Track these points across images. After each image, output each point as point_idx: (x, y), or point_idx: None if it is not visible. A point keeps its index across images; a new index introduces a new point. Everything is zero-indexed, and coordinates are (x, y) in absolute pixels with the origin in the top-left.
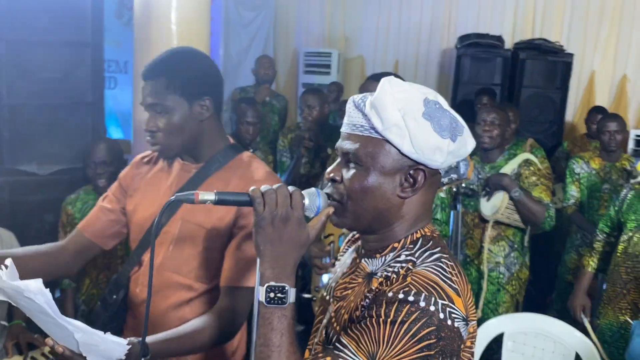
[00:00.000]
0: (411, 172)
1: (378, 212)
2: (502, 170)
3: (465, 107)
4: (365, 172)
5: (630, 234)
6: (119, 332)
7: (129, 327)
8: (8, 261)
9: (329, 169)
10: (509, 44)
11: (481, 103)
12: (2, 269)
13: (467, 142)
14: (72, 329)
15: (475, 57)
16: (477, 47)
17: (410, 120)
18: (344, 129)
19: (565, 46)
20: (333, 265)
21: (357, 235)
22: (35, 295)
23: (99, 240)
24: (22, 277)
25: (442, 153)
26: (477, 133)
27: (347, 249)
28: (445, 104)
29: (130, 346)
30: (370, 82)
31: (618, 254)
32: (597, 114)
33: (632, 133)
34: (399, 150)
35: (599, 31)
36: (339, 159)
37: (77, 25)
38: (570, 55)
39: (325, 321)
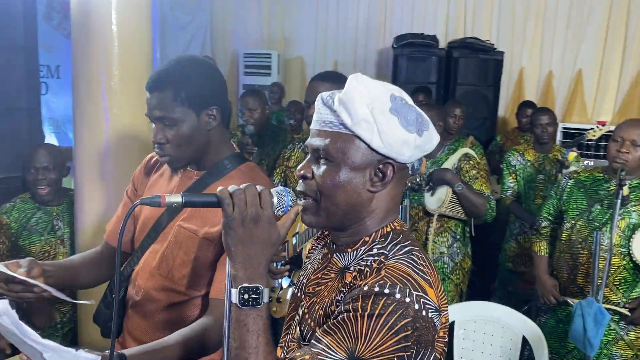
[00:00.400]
0: (380, 166)
1: (350, 207)
2: (444, 165)
3: None
4: (336, 167)
5: (573, 221)
6: (118, 331)
7: (127, 327)
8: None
9: (299, 167)
10: (442, 43)
11: (417, 101)
12: None
13: (433, 137)
14: (41, 349)
15: (411, 57)
16: (412, 47)
17: (378, 115)
18: (313, 126)
19: (496, 44)
20: (287, 270)
21: (326, 232)
22: (1, 316)
23: (125, 247)
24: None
25: (410, 147)
26: None
27: (317, 246)
28: (409, 100)
29: (104, 355)
30: (319, 83)
31: (563, 241)
32: (527, 108)
33: (560, 126)
34: (368, 145)
35: (526, 29)
36: (308, 156)
37: (9, 29)
38: (501, 53)
39: (298, 317)
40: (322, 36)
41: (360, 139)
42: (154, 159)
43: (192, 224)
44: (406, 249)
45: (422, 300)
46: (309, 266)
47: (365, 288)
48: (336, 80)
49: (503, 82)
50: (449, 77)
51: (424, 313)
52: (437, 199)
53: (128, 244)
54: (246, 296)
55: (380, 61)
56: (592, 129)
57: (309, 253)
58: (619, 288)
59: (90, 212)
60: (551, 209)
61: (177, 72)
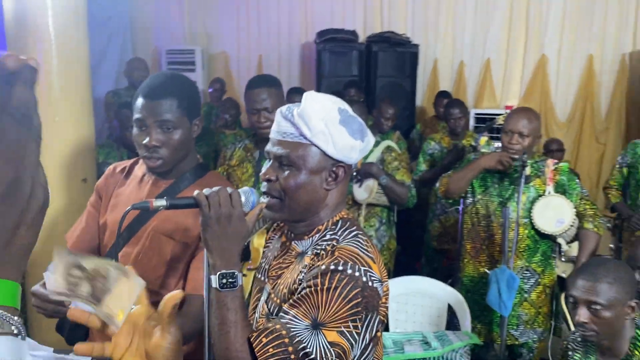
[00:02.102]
0: (334, 169)
1: (309, 203)
2: (369, 159)
3: None
4: (298, 171)
5: (480, 197)
6: (84, 337)
7: (92, 333)
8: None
9: (263, 172)
10: (362, 37)
11: (349, 95)
12: None
13: (370, 141)
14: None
15: (333, 52)
16: (334, 42)
17: (331, 127)
18: (274, 136)
19: (411, 37)
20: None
21: (281, 224)
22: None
23: (91, 254)
24: None
25: (356, 151)
26: None
27: (273, 237)
28: (351, 110)
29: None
30: (262, 90)
31: (473, 215)
32: (442, 98)
33: (472, 112)
34: (324, 152)
35: (438, 22)
36: (270, 162)
37: None
38: (416, 45)
39: (264, 298)
40: (244, 31)
41: (317, 147)
42: (119, 169)
43: (166, 228)
44: (353, 233)
45: (368, 273)
46: (269, 254)
47: (323, 267)
48: (273, 83)
49: (419, 73)
50: (370, 70)
51: (370, 284)
52: (365, 191)
53: (94, 251)
54: (224, 281)
55: (304, 56)
56: (501, 114)
57: (266, 243)
58: (523, 255)
59: None
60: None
61: (178, 84)
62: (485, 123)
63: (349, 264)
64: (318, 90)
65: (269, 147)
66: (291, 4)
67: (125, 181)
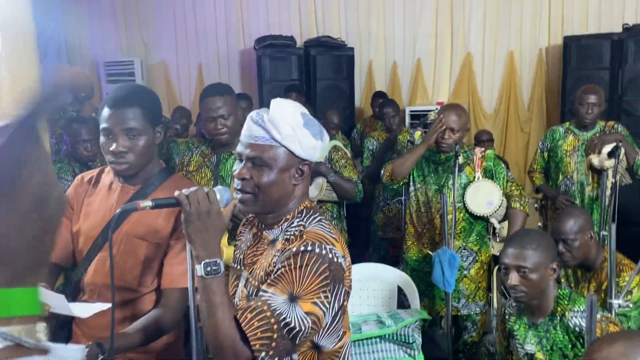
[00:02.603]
0: (300, 166)
1: (280, 197)
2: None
3: None
4: (270, 170)
5: (418, 185)
6: (67, 338)
7: (76, 335)
8: None
9: (237, 171)
10: (299, 42)
11: (291, 99)
12: None
13: (327, 140)
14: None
15: (273, 57)
16: (273, 47)
17: (297, 130)
18: (245, 140)
19: (346, 41)
20: None
21: (251, 218)
22: None
23: (64, 262)
24: None
25: (317, 150)
26: None
27: (244, 230)
28: (309, 114)
29: (88, 349)
30: (216, 98)
31: (412, 201)
32: (378, 98)
33: (407, 110)
34: (292, 153)
35: (370, 25)
36: (243, 162)
37: None
38: (351, 48)
39: (242, 283)
40: (182, 40)
41: (286, 148)
42: (86, 179)
43: (138, 231)
44: (317, 219)
45: (333, 251)
46: (242, 245)
47: (294, 249)
48: (226, 91)
49: (356, 75)
50: (309, 73)
51: (335, 259)
52: (315, 188)
53: (68, 258)
54: (209, 268)
55: (244, 62)
56: (433, 110)
57: (238, 237)
58: (460, 235)
59: None
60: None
61: (142, 94)
62: (419, 119)
63: (317, 244)
64: (260, 94)
65: (240, 149)
66: (228, 11)
67: (94, 190)
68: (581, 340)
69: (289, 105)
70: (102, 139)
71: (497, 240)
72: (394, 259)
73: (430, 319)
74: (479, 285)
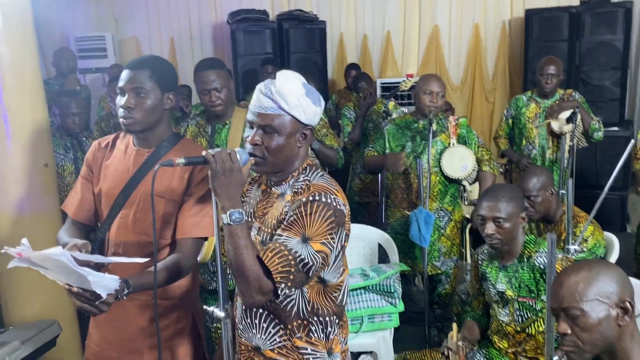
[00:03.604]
0: (304, 131)
1: (287, 159)
2: None
3: (250, 76)
4: (279, 136)
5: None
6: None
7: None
8: (24, 240)
9: (250, 138)
10: (272, 16)
11: (267, 72)
12: (23, 249)
13: (323, 105)
14: (86, 274)
15: (246, 31)
16: (247, 21)
17: (302, 100)
18: (255, 109)
19: (317, 14)
20: None
21: (257, 177)
22: (60, 256)
23: (89, 221)
24: None
25: (317, 116)
26: None
27: (251, 188)
28: (307, 83)
29: (120, 279)
30: (210, 72)
31: (393, 171)
32: (351, 70)
33: (378, 82)
34: (297, 120)
35: None
36: (254, 129)
37: None
38: (323, 22)
39: (254, 232)
40: (154, 14)
41: (292, 116)
42: (103, 144)
43: (156, 190)
44: (320, 174)
45: (336, 200)
46: (252, 201)
47: (304, 199)
48: (219, 65)
49: (328, 48)
50: (283, 47)
51: (338, 207)
52: None
53: (92, 218)
54: (234, 217)
55: (216, 35)
56: (403, 81)
57: (246, 194)
58: (437, 197)
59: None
60: (379, 147)
61: (154, 60)
62: (390, 91)
63: (322, 194)
64: (235, 68)
65: (251, 117)
66: None
67: (110, 154)
68: (544, 277)
69: (292, 76)
70: (118, 97)
71: (466, 203)
72: (370, 223)
73: (409, 270)
74: (454, 242)
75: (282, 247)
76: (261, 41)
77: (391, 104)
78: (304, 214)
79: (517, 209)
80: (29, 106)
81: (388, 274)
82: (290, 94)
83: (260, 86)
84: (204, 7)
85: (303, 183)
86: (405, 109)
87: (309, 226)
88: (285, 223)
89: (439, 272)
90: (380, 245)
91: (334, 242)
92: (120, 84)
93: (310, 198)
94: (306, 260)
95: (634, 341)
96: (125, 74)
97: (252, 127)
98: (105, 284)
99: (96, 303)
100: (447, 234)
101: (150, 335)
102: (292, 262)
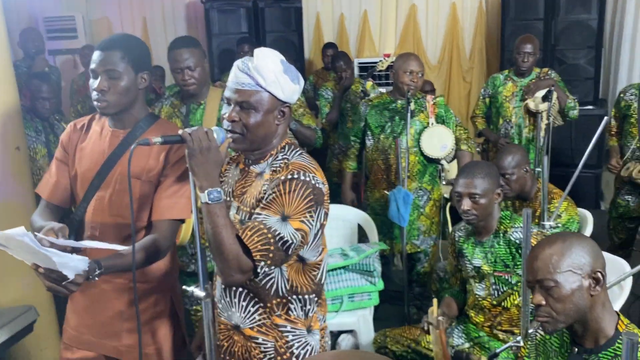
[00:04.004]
0: (282, 108)
1: (265, 136)
2: None
3: (225, 56)
4: (257, 112)
5: (377, 136)
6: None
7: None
8: None
9: (227, 114)
10: None
11: (243, 51)
12: None
13: (302, 84)
14: (51, 254)
15: (221, 10)
16: (221, 0)
17: (280, 77)
18: (233, 86)
19: None
20: None
21: (235, 156)
22: (23, 237)
23: (64, 203)
24: None
25: (296, 94)
26: None
27: (229, 168)
28: (285, 60)
29: (90, 261)
30: (183, 50)
31: (372, 151)
32: (328, 49)
33: (356, 61)
34: (275, 97)
35: None
36: (232, 106)
37: None
38: (299, 1)
39: (233, 212)
40: None
41: (270, 93)
42: (79, 125)
43: (132, 171)
44: (299, 152)
45: (315, 178)
46: (230, 180)
47: (282, 178)
48: (192, 43)
49: (304, 28)
50: (258, 26)
51: (317, 185)
52: None
53: (68, 200)
54: (212, 196)
55: (190, 15)
56: (380, 61)
57: (224, 174)
58: (416, 177)
59: None
60: (358, 132)
61: (126, 40)
62: (367, 71)
63: (301, 173)
64: (209, 48)
65: (228, 94)
66: None
67: (85, 136)
68: (519, 251)
69: (270, 53)
70: (90, 79)
71: (444, 183)
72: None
73: (388, 248)
74: (433, 220)
75: (262, 226)
76: (236, 20)
77: (369, 83)
78: (282, 192)
79: (492, 186)
80: None
81: (367, 253)
82: (267, 71)
83: (237, 62)
84: None
85: (282, 161)
86: (383, 89)
87: (288, 204)
88: (264, 201)
89: (418, 250)
90: (359, 226)
91: (313, 221)
92: (92, 66)
93: (289, 176)
94: (285, 239)
95: (605, 310)
96: (96, 56)
97: (229, 104)
98: (73, 264)
99: (64, 283)
100: (427, 213)
101: (128, 319)
102: (272, 241)
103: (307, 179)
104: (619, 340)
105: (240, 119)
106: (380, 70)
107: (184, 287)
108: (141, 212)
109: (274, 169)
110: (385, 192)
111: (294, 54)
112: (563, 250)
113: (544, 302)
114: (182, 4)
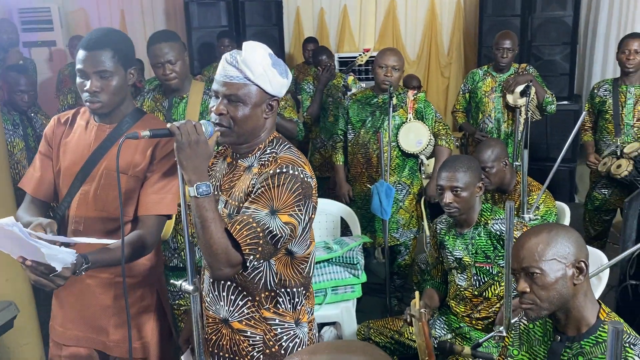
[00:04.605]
0: (270, 102)
1: (253, 129)
2: None
3: (205, 50)
4: (245, 106)
5: (358, 130)
6: None
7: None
8: None
9: (215, 107)
10: None
11: (224, 45)
12: None
13: (290, 77)
14: (39, 246)
15: (201, 3)
16: None
17: (268, 70)
18: (221, 79)
19: None
20: None
21: (222, 150)
22: (12, 227)
23: (48, 198)
24: None
25: (284, 87)
26: None
27: (216, 162)
28: (274, 54)
29: (78, 254)
30: (163, 44)
31: (353, 145)
32: (309, 43)
33: (336, 56)
34: (263, 90)
35: None
36: (219, 99)
37: None
38: None
39: (221, 205)
40: None
41: (258, 86)
42: (63, 119)
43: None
44: (287, 146)
45: (303, 172)
46: (217, 174)
47: (271, 172)
48: (172, 37)
49: (285, 22)
50: (238, 20)
51: (305, 179)
52: None
53: (52, 194)
54: (200, 190)
55: (168, 9)
56: (359, 55)
57: (211, 167)
58: (395, 171)
59: None
60: (343, 126)
61: (113, 37)
62: (347, 65)
63: (290, 166)
64: (189, 42)
65: (216, 87)
66: None
67: (70, 130)
68: (501, 243)
69: (258, 47)
70: (77, 79)
71: (423, 176)
72: (331, 197)
73: (371, 241)
74: (412, 214)
75: (250, 220)
76: (216, 14)
77: (350, 78)
78: (271, 186)
79: (474, 179)
80: None
81: (351, 246)
82: (256, 64)
83: (226, 55)
84: None
85: (270, 155)
86: (363, 84)
87: (277, 198)
88: (252, 195)
89: (398, 242)
90: (342, 219)
91: (301, 214)
92: (80, 65)
93: (278, 170)
94: (274, 232)
95: (587, 299)
96: (83, 55)
97: (217, 97)
98: (60, 257)
99: (51, 276)
100: (406, 207)
101: (114, 314)
102: (261, 234)
103: (296, 172)
104: (600, 328)
105: (228, 112)
106: (360, 65)
107: (171, 281)
108: (126, 206)
109: (262, 162)
110: (366, 185)
111: (274, 48)
112: (548, 240)
113: (528, 290)
114: None
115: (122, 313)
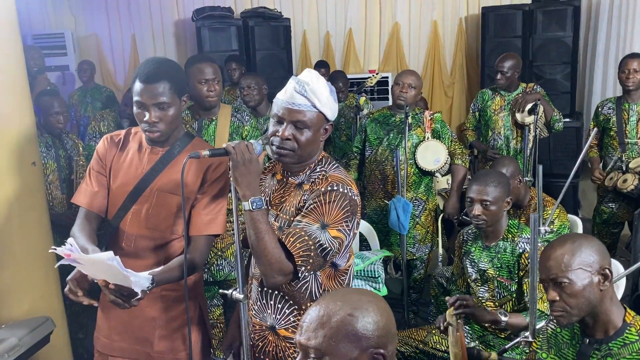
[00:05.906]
0: (326, 126)
1: (311, 151)
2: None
3: None
4: (309, 131)
5: (376, 148)
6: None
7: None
8: (70, 240)
9: (281, 132)
10: (236, 13)
11: (231, 68)
12: (72, 249)
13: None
14: (129, 274)
15: (212, 28)
16: (212, 18)
17: (329, 98)
18: (287, 105)
19: (282, 12)
20: None
21: (270, 166)
22: (112, 261)
23: (102, 212)
24: None
25: (336, 112)
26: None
27: (265, 178)
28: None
29: (152, 277)
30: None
31: (370, 162)
32: (320, 68)
33: None
34: (324, 116)
35: None
36: (285, 124)
37: None
38: (287, 19)
39: (272, 218)
40: (113, 11)
41: (321, 113)
42: (116, 140)
43: (169, 187)
44: (335, 165)
45: (351, 190)
46: (267, 190)
47: (322, 189)
48: (212, 60)
49: (293, 45)
50: (248, 44)
51: (353, 197)
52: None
53: (104, 208)
54: (254, 204)
55: (179, 33)
56: (369, 77)
57: (260, 182)
58: (411, 187)
59: None
60: (359, 144)
61: (169, 68)
62: (354, 87)
63: (340, 185)
64: None
65: (282, 113)
66: None
67: (122, 152)
68: (519, 262)
69: (318, 76)
70: (135, 109)
71: (435, 193)
72: None
73: (392, 255)
74: (428, 229)
75: (302, 232)
76: (227, 38)
77: (362, 99)
78: (323, 202)
79: (503, 194)
80: (16, 106)
81: (372, 260)
82: (321, 93)
83: (293, 84)
84: (166, 4)
85: (320, 173)
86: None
87: (328, 214)
88: (304, 210)
89: (414, 257)
90: (360, 234)
91: (348, 229)
92: (137, 98)
93: (329, 188)
94: (325, 245)
95: (613, 303)
96: (141, 88)
97: (280, 122)
98: (141, 282)
99: (132, 300)
100: (422, 222)
101: (160, 326)
102: (312, 247)
103: (345, 190)
104: (627, 330)
105: (294, 137)
106: (370, 86)
107: (220, 290)
108: (176, 225)
109: (313, 180)
110: (383, 201)
111: (282, 70)
112: (573, 250)
113: (557, 298)
114: (171, 21)
115: (167, 325)
